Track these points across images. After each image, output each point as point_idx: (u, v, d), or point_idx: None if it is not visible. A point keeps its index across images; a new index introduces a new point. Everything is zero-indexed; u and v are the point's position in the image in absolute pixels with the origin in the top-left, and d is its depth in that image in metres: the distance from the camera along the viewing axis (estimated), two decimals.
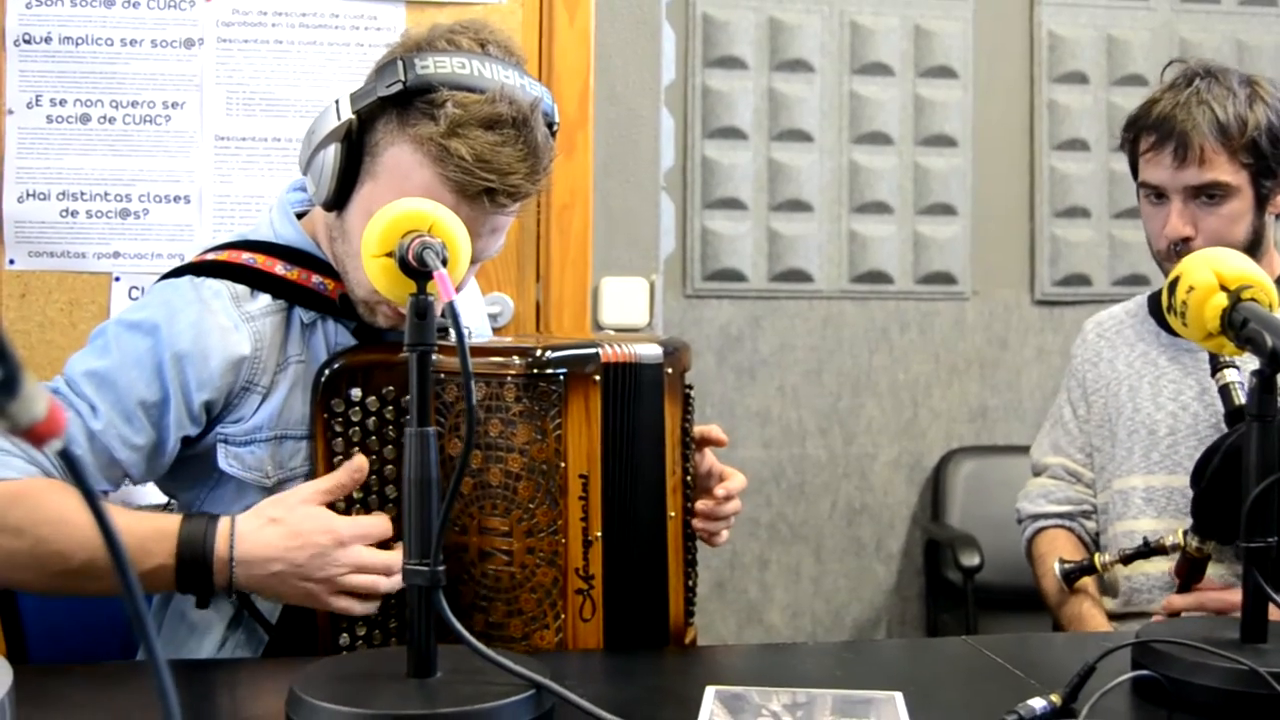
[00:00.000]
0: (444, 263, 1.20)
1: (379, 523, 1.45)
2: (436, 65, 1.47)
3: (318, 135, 1.54)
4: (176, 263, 1.70)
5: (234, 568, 1.41)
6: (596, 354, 1.49)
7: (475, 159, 1.45)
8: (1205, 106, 1.90)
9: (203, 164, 2.64)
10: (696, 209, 3.42)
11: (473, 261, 1.53)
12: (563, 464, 1.47)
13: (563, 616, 1.47)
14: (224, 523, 1.43)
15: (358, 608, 1.45)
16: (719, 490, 1.70)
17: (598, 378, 1.49)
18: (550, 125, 1.55)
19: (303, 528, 1.43)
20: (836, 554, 3.54)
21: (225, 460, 1.55)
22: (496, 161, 1.46)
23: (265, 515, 1.44)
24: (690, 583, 1.62)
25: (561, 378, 1.47)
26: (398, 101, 1.48)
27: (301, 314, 1.60)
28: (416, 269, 1.21)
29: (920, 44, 3.56)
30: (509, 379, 1.46)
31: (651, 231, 3.00)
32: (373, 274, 1.27)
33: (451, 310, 1.15)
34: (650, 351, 1.54)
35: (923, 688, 1.31)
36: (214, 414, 1.55)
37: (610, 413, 1.50)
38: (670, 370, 1.57)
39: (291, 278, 1.60)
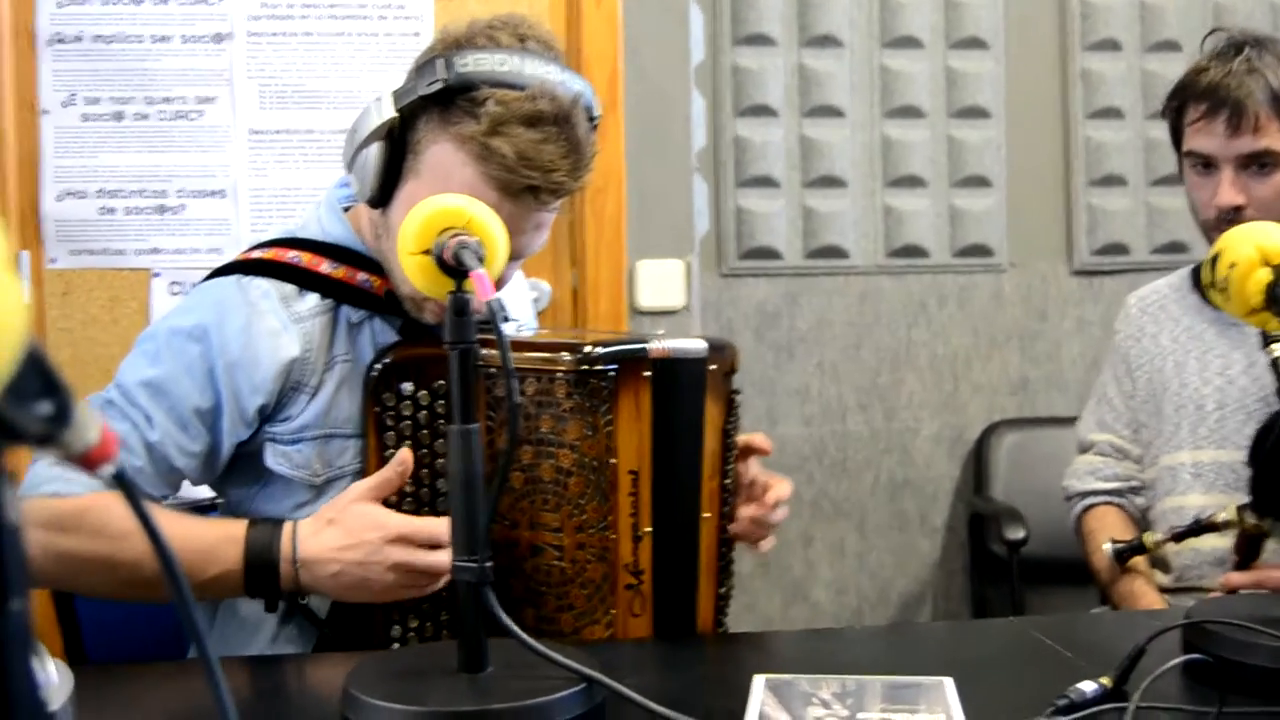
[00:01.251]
0: (481, 260, 1.20)
1: (431, 522, 1.45)
2: (476, 63, 1.48)
3: (360, 134, 1.55)
4: (215, 257, 1.72)
5: (298, 570, 1.44)
6: (646, 350, 1.49)
7: (518, 157, 1.45)
8: (1258, 75, 1.89)
9: (237, 158, 2.66)
10: (730, 188, 3.40)
11: (515, 257, 1.54)
12: (613, 460, 1.47)
13: (613, 612, 1.48)
14: (287, 527, 1.46)
15: (421, 594, 1.46)
16: (769, 497, 1.67)
17: (648, 374, 1.49)
18: (591, 119, 1.55)
19: (354, 526, 1.44)
20: (880, 529, 3.54)
21: (274, 459, 1.57)
22: (539, 159, 1.46)
23: (323, 518, 1.47)
24: (723, 589, 1.62)
25: (612, 374, 1.47)
26: (439, 100, 1.49)
27: (349, 312, 1.61)
28: (454, 267, 1.21)
29: (950, 15, 3.52)
30: (560, 375, 1.46)
31: (685, 212, 2.99)
32: (410, 271, 1.27)
33: (490, 309, 1.15)
34: (697, 346, 1.54)
35: (972, 671, 1.31)
36: (265, 415, 1.57)
37: (660, 408, 1.49)
38: (715, 367, 1.56)
39: (338, 276, 1.61)
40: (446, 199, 1.28)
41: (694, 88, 3.03)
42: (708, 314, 3.31)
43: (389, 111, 1.52)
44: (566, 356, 1.47)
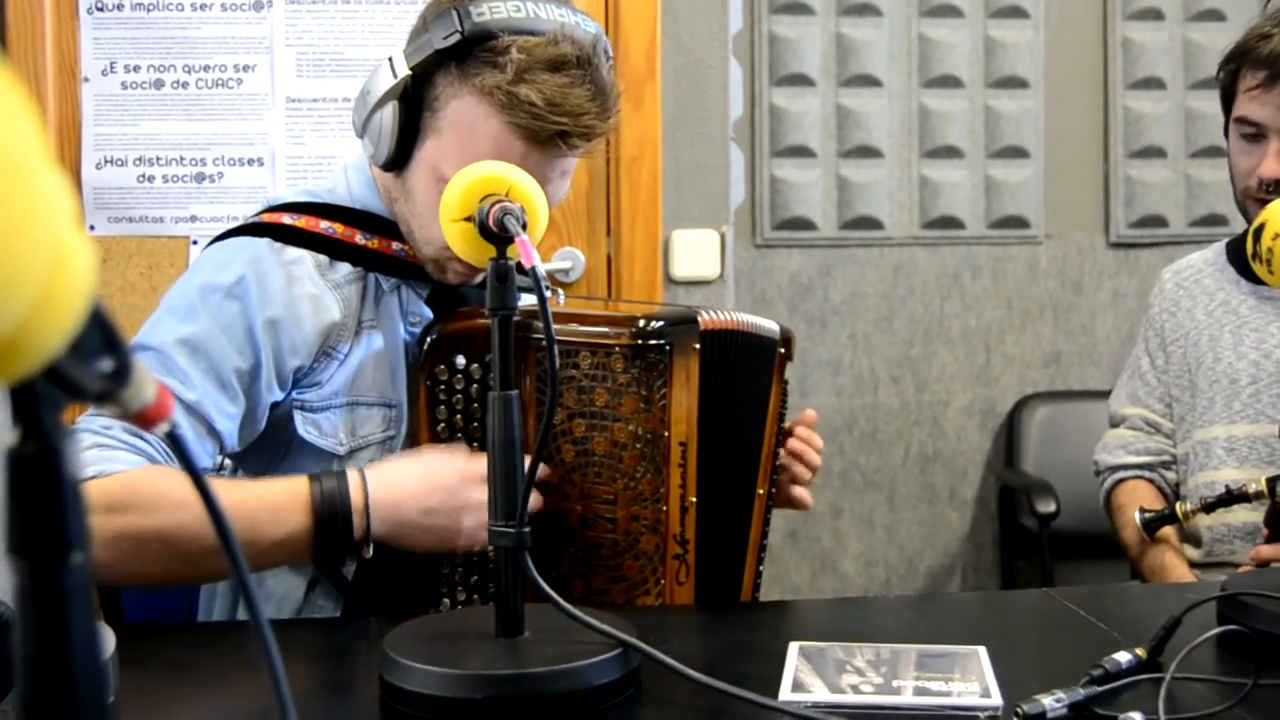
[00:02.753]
0: (524, 227, 1.21)
1: None
2: (492, 11, 1.45)
3: (373, 95, 1.52)
4: None
5: (370, 515, 1.41)
6: (696, 321, 1.50)
7: (546, 103, 1.43)
8: None
9: (275, 126, 2.67)
10: (765, 158, 3.40)
11: None
12: (666, 433, 1.47)
13: (663, 582, 1.49)
14: (354, 475, 1.43)
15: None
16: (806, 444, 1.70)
17: (697, 345, 1.49)
18: (609, 59, 1.53)
19: (432, 470, 1.43)
20: (910, 502, 3.54)
21: (304, 427, 1.55)
22: (567, 104, 1.44)
23: (396, 464, 1.45)
24: (760, 565, 1.64)
25: (667, 347, 1.47)
26: (456, 53, 1.46)
27: (382, 280, 1.60)
28: (496, 234, 1.22)
29: None
30: (617, 349, 1.46)
31: (721, 182, 2.99)
32: (451, 238, 1.27)
33: (534, 275, 1.15)
34: (767, 325, 1.58)
35: (1004, 641, 1.32)
36: (297, 380, 1.55)
37: (708, 379, 1.50)
38: (784, 350, 1.60)
39: (372, 246, 1.59)
40: (488, 166, 1.28)
41: (731, 57, 3.02)
42: (741, 285, 3.31)
43: (403, 70, 1.49)
44: (624, 330, 1.47)
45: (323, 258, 1.57)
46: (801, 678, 1.18)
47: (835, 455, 3.47)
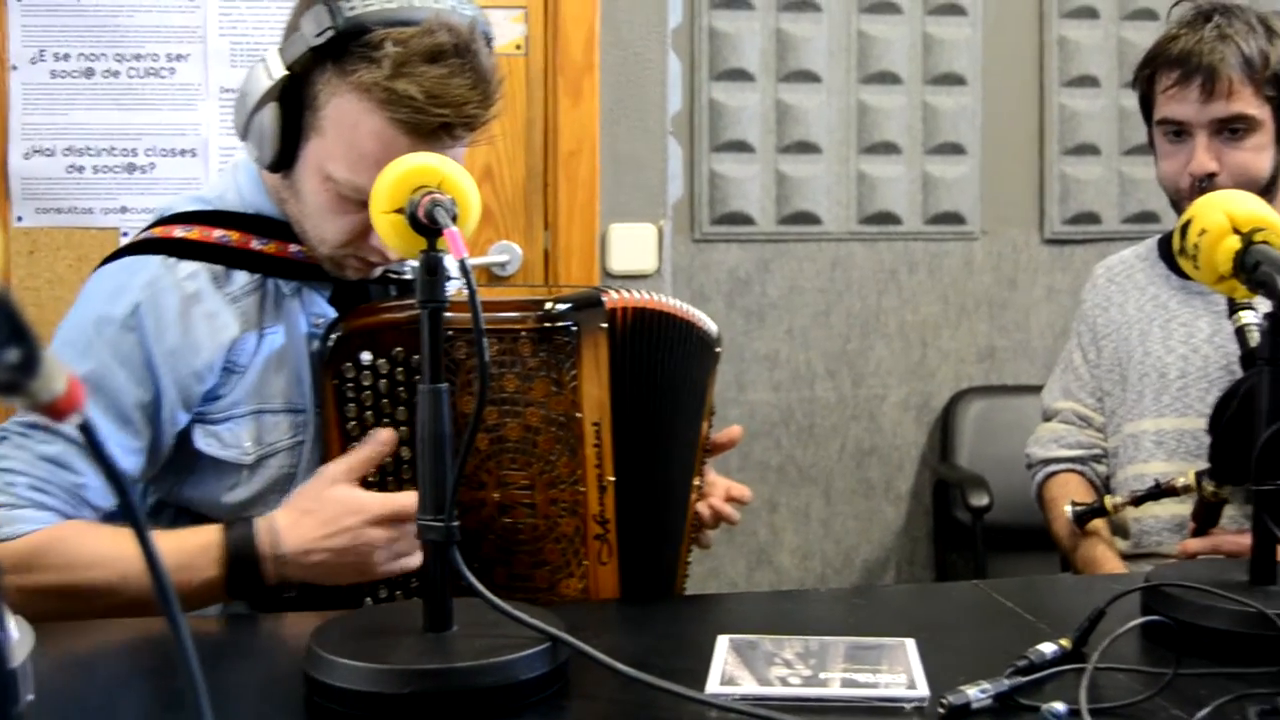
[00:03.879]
0: (454, 219, 1.20)
1: (410, 497, 1.42)
2: (364, 4, 1.42)
3: (251, 97, 1.49)
4: None
5: (281, 564, 1.41)
6: (602, 302, 1.50)
7: (427, 97, 1.40)
8: (1229, 41, 1.91)
9: (208, 117, 2.64)
10: (704, 152, 3.40)
11: None
12: (579, 414, 1.47)
13: (585, 563, 1.49)
14: (262, 523, 1.42)
15: (413, 563, 1.44)
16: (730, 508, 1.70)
17: (604, 325, 1.49)
18: (489, 43, 1.50)
19: (333, 513, 1.41)
20: (845, 495, 3.56)
21: (203, 440, 1.52)
22: (448, 95, 1.41)
23: (299, 508, 1.43)
24: (687, 560, 1.66)
25: (574, 328, 1.47)
26: (331, 50, 1.43)
27: (281, 285, 1.56)
28: (427, 226, 1.21)
29: None
30: (523, 333, 1.46)
31: (659, 176, 2.99)
32: (382, 230, 1.26)
33: (464, 268, 1.15)
34: (709, 324, 1.60)
35: (934, 633, 1.32)
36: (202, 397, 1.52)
37: (619, 357, 1.50)
38: (719, 350, 1.61)
39: (269, 251, 1.56)
40: (420, 158, 1.27)
41: (670, 51, 3.02)
42: (679, 279, 3.31)
43: (279, 70, 1.46)
44: (529, 314, 1.47)
45: (219, 269, 1.53)
46: (730, 671, 1.19)
47: (772, 449, 3.49)
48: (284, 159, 1.49)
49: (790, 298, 3.50)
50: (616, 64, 2.92)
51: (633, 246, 2.93)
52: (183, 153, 2.65)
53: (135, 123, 2.63)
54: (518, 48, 2.83)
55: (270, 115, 1.47)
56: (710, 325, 1.64)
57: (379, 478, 1.49)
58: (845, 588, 3.36)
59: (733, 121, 3.40)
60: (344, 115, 1.45)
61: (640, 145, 2.94)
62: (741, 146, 3.41)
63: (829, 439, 3.54)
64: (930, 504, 3.58)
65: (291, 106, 1.47)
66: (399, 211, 1.24)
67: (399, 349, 1.48)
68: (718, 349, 1.66)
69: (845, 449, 3.55)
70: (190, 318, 1.49)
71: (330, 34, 1.42)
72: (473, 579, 1.18)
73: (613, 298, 1.51)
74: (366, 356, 1.48)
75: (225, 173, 1.65)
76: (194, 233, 1.55)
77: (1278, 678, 1.14)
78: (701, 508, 1.67)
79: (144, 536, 0.65)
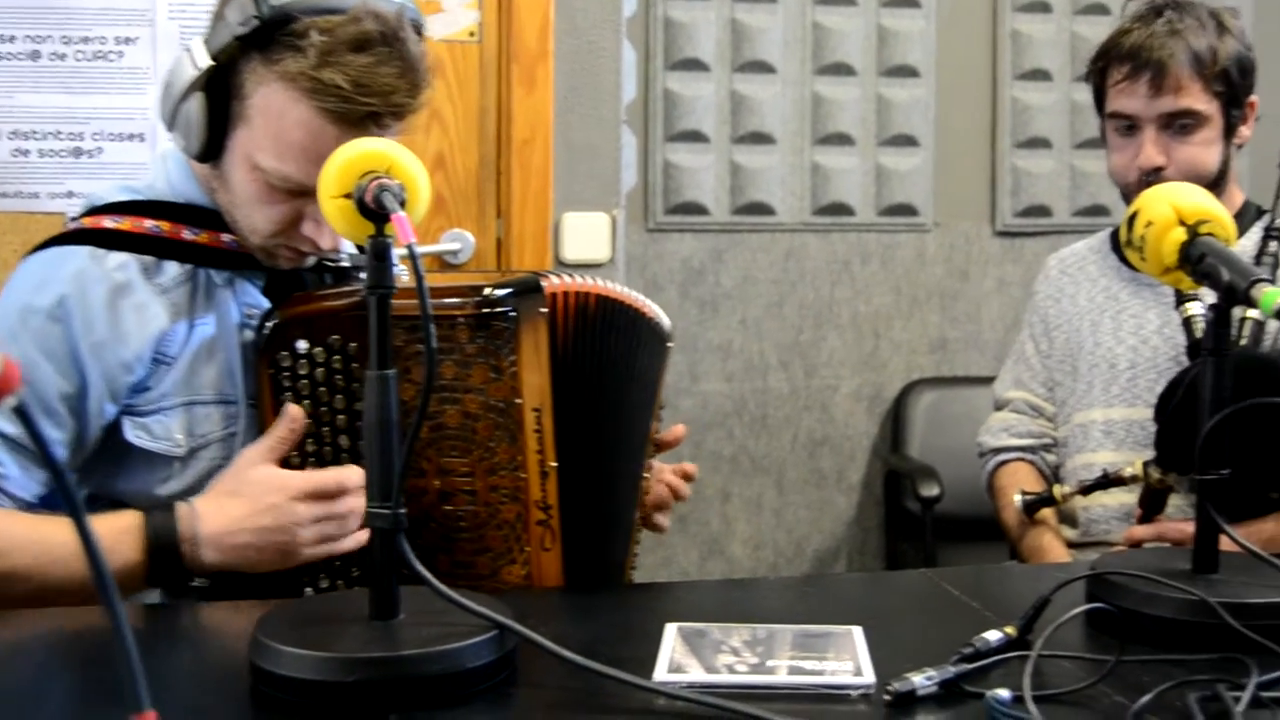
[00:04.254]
0: (402, 204, 1.19)
1: (333, 473, 1.43)
2: None
3: (177, 88, 1.46)
4: None
5: (202, 548, 1.39)
6: (541, 288, 1.49)
7: (354, 85, 1.39)
8: (1179, 36, 1.93)
9: (157, 101, 2.61)
10: (658, 142, 3.40)
11: None
12: (519, 400, 1.47)
13: (528, 549, 1.49)
14: (183, 507, 1.41)
15: (341, 546, 1.43)
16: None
17: (544, 310, 1.48)
18: (419, 31, 1.48)
19: (255, 492, 1.40)
20: (798, 485, 3.57)
21: (133, 433, 1.50)
22: (375, 84, 1.40)
23: (221, 491, 1.42)
24: (633, 550, 1.67)
25: (513, 314, 1.46)
26: (256, 39, 1.41)
27: (214, 275, 1.55)
28: (374, 211, 1.20)
29: None
30: (461, 319, 1.45)
31: (613, 165, 2.98)
32: (330, 215, 1.25)
33: (412, 253, 1.14)
34: (663, 317, 1.59)
35: (882, 621, 1.33)
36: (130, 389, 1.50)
37: (561, 343, 1.50)
38: (670, 345, 1.61)
39: (201, 241, 1.54)
40: (369, 143, 1.26)
41: (625, 39, 3.01)
42: (633, 268, 3.31)
43: (204, 60, 1.44)
44: (468, 300, 1.46)
45: (149, 259, 1.51)
46: (678, 658, 1.18)
47: (725, 439, 3.49)
48: (211, 149, 1.48)
49: (743, 288, 3.50)
50: (571, 52, 2.91)
51: (586, 235, 2.93)
52: (130, 137, 2.62)
53: (82, 106, 2.60)
54: (471, 34, 2.82)
55: (196, 105, 1.45)
56: (662, 318, 1.64)
57: (318, 467, 1.48)
58: (795, 576, 3.37)
59: (687, 111, 3.40)
60: (270, 105, 1.43)
61: (594, 134, 2.94)
62: (696, 136, 3.41)
63: (781, 429, 3.55)
64: (881, 494, 3.60)
65: (217, 96, 1.45)
66: (347, 196, 1.22)
67: (336, 337, 1.47)
68: (669, 343, 1.66)
69: (798, 439, 3.56)
70: (118, 309, 1.47)
71: (255, 23, 1.40)
72: (420, 566, 1.17)
73: (553, 283, 1.51)
74: (303, 345, 1.47)
75: (155, 162, 1.63)
76: (124, 223, 1.52)
77: (1219, 665, 1.15)
78: (658, 488, 1.68)
79: (81, 522, 0.64)
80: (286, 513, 1.39)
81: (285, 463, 1.45)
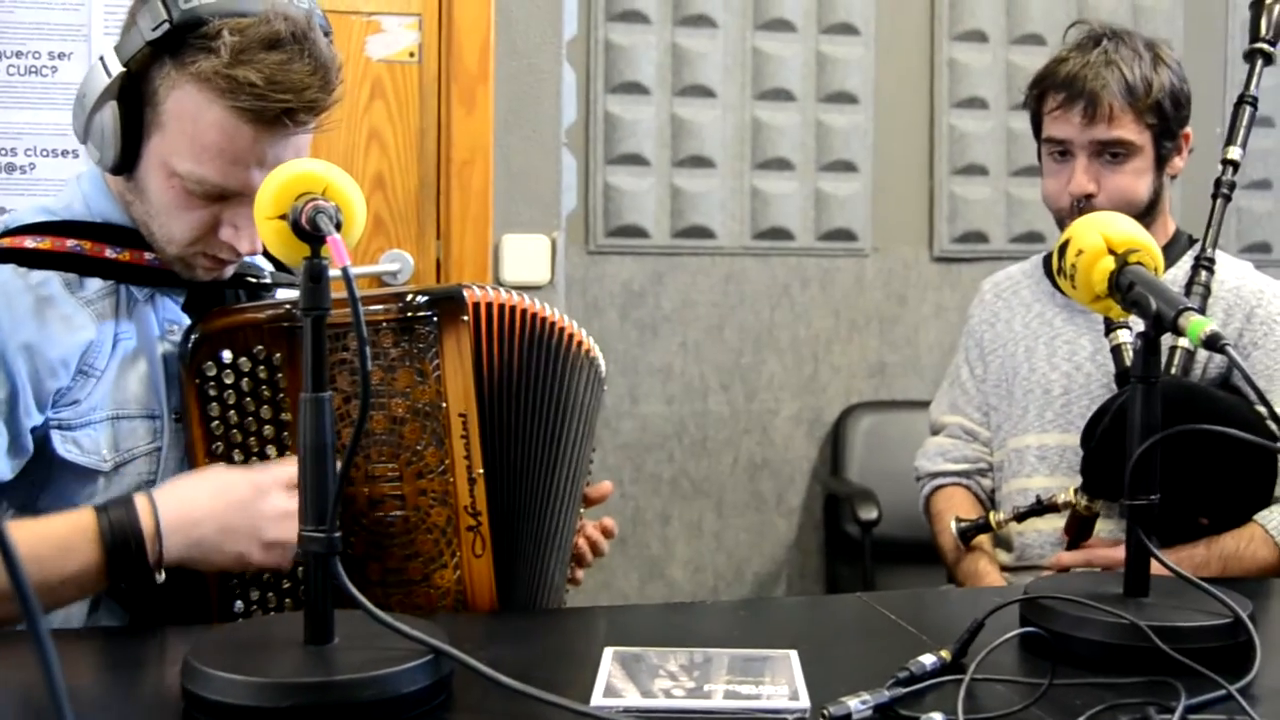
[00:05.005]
0: (338, 226, 1.18)
1: (291, 466, 1.42)
2: None
3: (90, 98, 1.46)
4: None
5: (163, 539, 1.37)
6: (463, 295, 1.52)
7: (267, 82, 1.40)
8: (1114, 67, 1.96)
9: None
10: (599, 165, 3.41)
11: None
12: (444, 404, 1.49)
13: (458, 554, 1.51)
14: (139, 497, 1.39)
15: (287, 564, 1.43)
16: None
17: (466, 318, 1.51)
18: (327, 34, 1.50)
19: (223, 482, 1.41)
20: (738, 509, 3.58)
21: (63, 446, 1.47)
22: (288, 80, 1.41)
23: (178, 482, 1.42)
24: (570, 563, 1.69)
25: (434, 318, 1.49)
26: (168, 43, 1.42)
27: (135, 291, 1.54)
28: (309, 233, 1.19)
29: (823, 1, 3.56)
30: (384, 324, 1.49)
31: (553, 188, 2.98)
32: (265, 236, 1.25)
33: (346, 276, 1.13)
34: (535, 303, 1.59)
35: (818, 645, 1.33)
36: (56, 400, 1.48)
37: (485, 352, 1.52)
38: (555, 324, 1.61)
39: (124, 259, 1.54)
40: (304, 164, 1.26)
41: (565, 62, 3.02)
42: (573, 291, 3.31)
43: (116, 67, 1.44)
44: (392, 307, 1.49)
45: (71, 276, 1.50)
46: (614, 683, 1.18)
47: (665, 462, 3.49)
48: (126, 159, 1.47)
49: (684, 311, 3.51)
50: (511, 74, 2.92)
51: (526, 257, 2.93)
52: (64, 153, 2.59)
53: (15, 121, 2.57)
54: (411, 55, 2.81)
55: (110, 115, 1.45)
56: (599, 356, 1.67)
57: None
58: (734, 600, 3.37)
59: (627, 134, 3.41)
60: (185, 108, 1.43)
61: (534, 156, 2.94)
62: (636, 160, 3.42)
63: (721, 452, 3.56)
64: (821, 517, 3.61)
65: (131, 104, 1.45)
66: (282, 218, 1.22)
67: (260, 347, 1.49)
68: (603, 382, 1.70)
69: (737, 462, 3.57)
70: (45, 317, 1.47)
71: (166, 27, 1.40)
72: (355, 592, 1.16)
73: (475, 293, 1.53)
74: (227, 355, 1.48)
75: (69, 184, 1.61)
76: (45, 243, 1.51)
77: (1149, 688, 1.16)
78: (579, 541, 1.71)
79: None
80: (254, 508, 1.40)
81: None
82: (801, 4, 3.54)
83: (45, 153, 2.58)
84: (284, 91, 1.41)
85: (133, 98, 1.45)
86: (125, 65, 1.43)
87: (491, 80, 2.83)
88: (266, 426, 1.49)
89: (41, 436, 1.48)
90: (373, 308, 1.49)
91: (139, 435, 1.51)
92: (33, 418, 1.46)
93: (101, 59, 1.46)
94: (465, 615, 1.48)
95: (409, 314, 1.49)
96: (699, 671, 1.21)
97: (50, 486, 1.50)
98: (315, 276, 1.19)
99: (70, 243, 1.52)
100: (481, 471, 1.51)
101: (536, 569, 1.61)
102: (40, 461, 1.49)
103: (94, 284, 1.51)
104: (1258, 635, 1.27)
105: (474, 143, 2.82)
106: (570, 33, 3.15)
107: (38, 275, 1.49)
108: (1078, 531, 1.89)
